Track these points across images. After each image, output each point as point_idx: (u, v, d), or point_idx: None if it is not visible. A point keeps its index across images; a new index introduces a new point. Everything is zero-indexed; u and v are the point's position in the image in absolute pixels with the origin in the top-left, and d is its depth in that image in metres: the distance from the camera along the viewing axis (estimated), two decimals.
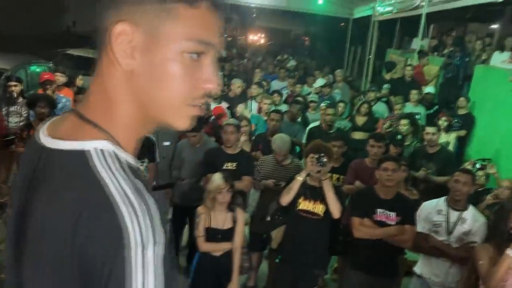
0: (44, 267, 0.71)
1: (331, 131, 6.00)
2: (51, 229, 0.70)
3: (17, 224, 0.79)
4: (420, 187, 5.13)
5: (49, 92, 6.05)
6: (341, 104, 7.38)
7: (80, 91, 6.76)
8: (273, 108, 6.65)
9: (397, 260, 3.90)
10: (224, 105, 6.62)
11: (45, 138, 0.81)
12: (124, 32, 0.75)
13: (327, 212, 3.72)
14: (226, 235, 3.64)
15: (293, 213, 3.82)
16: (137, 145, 0.84)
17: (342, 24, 19.11)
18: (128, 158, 0.78)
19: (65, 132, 0.79)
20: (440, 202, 3.75)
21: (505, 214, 3.08)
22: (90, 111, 0.80)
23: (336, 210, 3.69)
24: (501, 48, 7.72)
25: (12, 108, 5.63)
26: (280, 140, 4.58)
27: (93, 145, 0.74)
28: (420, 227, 3.71)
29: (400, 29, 14.06)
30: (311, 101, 7.76)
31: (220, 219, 3.65)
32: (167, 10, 0.75)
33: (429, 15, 9.90)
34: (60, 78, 6.72)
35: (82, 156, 0.73)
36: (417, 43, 10.43)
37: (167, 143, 5.00)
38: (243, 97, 7.75)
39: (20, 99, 5.71)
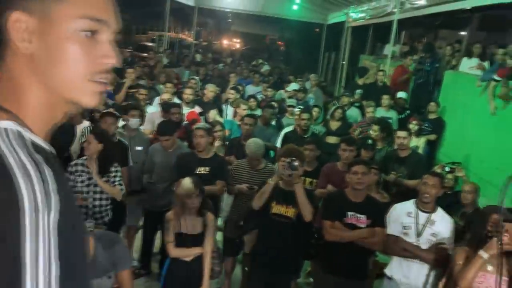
0: None
1: (306, 136, 6.03)
2: None
3: None
4: (392, 191, 5.21)
5: None
6: (316, 109, 7.41)
7: None
8: (249, 113, 6.65)
9: (368, 262, 3.94)
10: (198, 109, 6.59)
11: None
12: (18, 20, 0.79)
13: (300, 215, 3.73)
14: (196, 240, 3.61)
15: (266, 217, 3.81)
16: (53, 128, 0.89)
17: (317, 29, 19.34)
18: (35, 138, 0.82)
19: None
20: (409, 205, 3.80)
21: (485, 218, 3.14)
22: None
23: (307, 213, 3.70)
24: (469, 55, 7.89)
25: None
26: (254, 145, 4.57)
27: None
28: (390, 229, 3.75)
29: (373, 35, 14.33)
30: (289, 106, 7.79)
31: (190, 224, 3.62)
32: None
33: (400, 22, 10.10)
34: None
35: None
36: (389, 49, 10.63)
37: (139, 148, 4.95)
38: (217, 102, 7.74)
39: None
